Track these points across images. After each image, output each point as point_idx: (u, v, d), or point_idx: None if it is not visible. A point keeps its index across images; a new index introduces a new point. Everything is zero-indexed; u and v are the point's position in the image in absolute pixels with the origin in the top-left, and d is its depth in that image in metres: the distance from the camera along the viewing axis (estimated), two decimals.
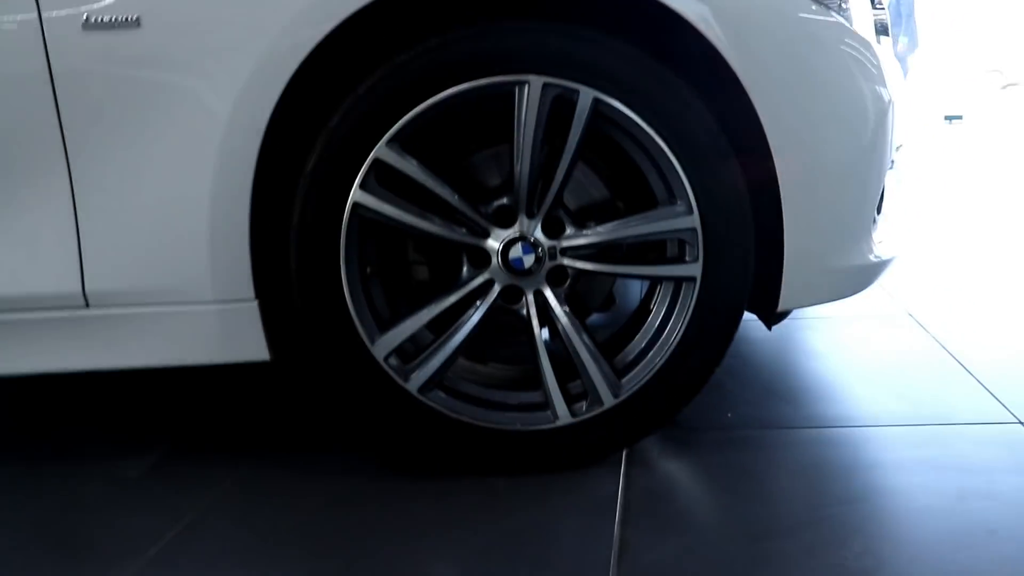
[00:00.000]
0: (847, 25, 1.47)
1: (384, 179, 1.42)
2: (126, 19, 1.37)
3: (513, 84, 1.39)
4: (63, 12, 1.38)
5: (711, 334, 1.50)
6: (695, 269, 1.47)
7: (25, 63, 1.39)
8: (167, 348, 1.52)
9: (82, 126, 1.42)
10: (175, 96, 1.39)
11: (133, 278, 1.48)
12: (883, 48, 1.63)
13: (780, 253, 1.48)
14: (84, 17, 1.37)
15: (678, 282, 1.50)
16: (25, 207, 1.46)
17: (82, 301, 1.50)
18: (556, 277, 1.51)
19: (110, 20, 1.37)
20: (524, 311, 1.50)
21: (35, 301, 1.51)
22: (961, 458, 1.56)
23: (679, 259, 1.50)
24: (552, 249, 1.48)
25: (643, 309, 1.61)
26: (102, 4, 1.37)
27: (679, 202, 1.45)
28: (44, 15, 1.38)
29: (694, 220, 1.44)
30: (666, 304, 1.54)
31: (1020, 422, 1.70)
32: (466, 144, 1.58)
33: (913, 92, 9.71)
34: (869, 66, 1.49)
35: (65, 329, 1.52)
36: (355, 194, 1.41)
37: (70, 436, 1.90)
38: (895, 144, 1.62)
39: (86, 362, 1.56)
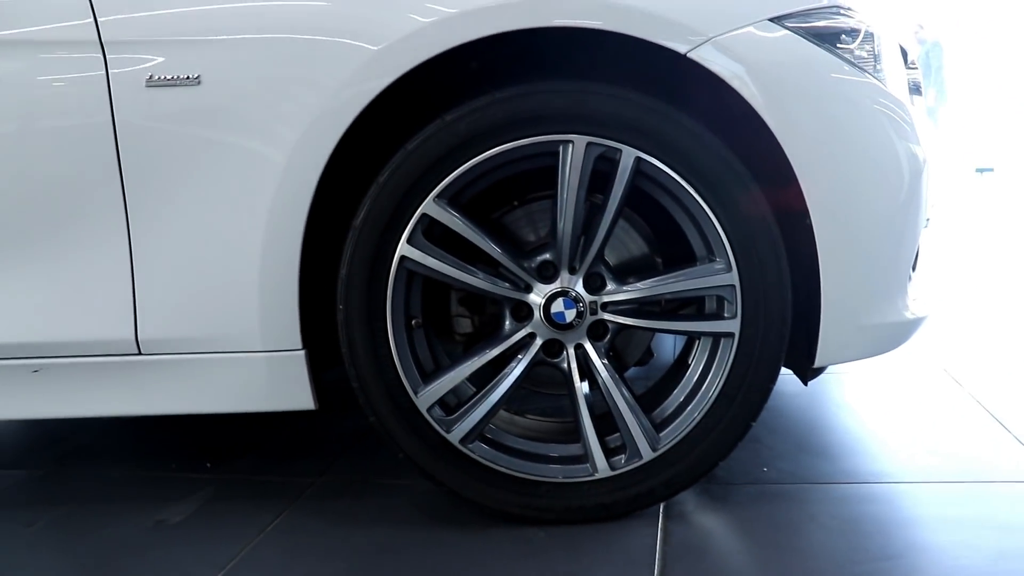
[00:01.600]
0: (881, 86, 1.50)
1: (431, 233, 1.47)
2: (187, 77, 1.44)
3: (557, 143, 1.44)
4: (128, 69, 1.45)
5: (749, 389, 1.52)
6: (733, 325, 1.49)
7: (91, 116, 1.47)
8: (216, 395, 1.56)
9: (142, 177, 1.48)
10: (231, 150, 1.45)
11: (185, 326, 1.53)
12: (917, 107, 1.66)
13: (817, 310, 1.50)
14: (148, 75, 1.44)
15: (716, 337, 1.53)
16: (83, 254, 1.52)
17: (135, 348, 1.55)
18: (597, 331, 1.54)
19: (172, 78, 1.44)
20: (565, 364, 1.53)
21: (90, 346, 1.56)
22: (999, 517, 1.56)
23: (718, 315, 1.52)
24: (593, 304, 1.51)
25: (681, 363, 1.63)
26: (165, 63, 1.44)
27: (718, 259, 1.48)
28: (111, 72, 1.45)
29: (733, 277, 1.47)
30: (704, 359, 1.56)
31: None
32: (510, 199, 1.62)
33: (944, 145, 9.71)
34: (904, 125, 1.52)
35: (118, 374, 1.57)
36: (402, 248, 1.45)
37: (115, 479, 1.93)
38: (930, 202, 1.64)
39: (137, 407, 1.61)
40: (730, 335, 1.50)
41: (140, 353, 1.55)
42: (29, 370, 1.59)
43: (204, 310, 1.51)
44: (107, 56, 1.45)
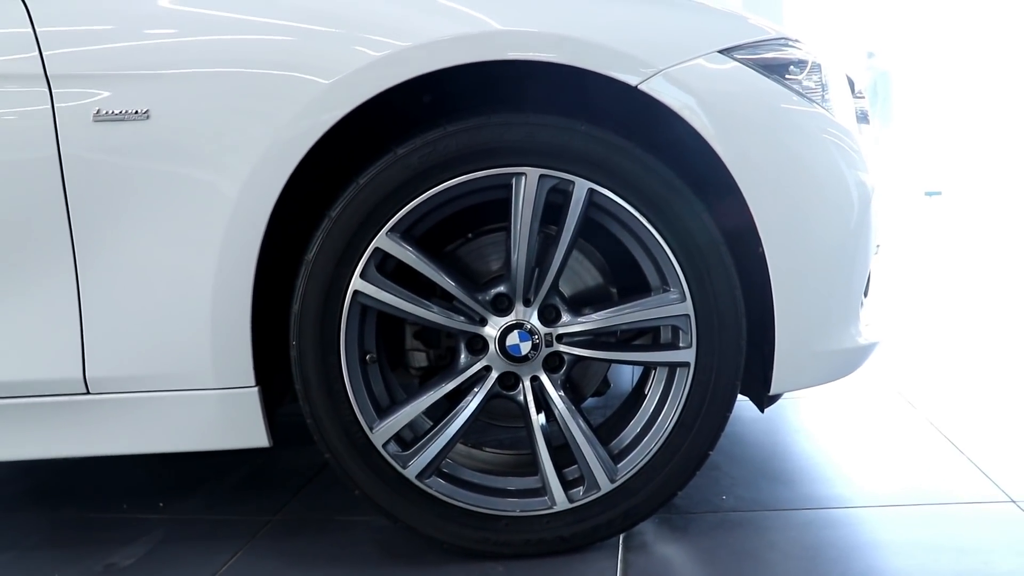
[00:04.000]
0: (829, 115, 1.52)
1: (384, 267, 1.46)
2: (136, 112, 1.42)
3: (510, 176, 1.44)
4: (75, 104, 1.42)
5: (706, 418, 1.52)
6: (689, 355, 1.49)
7: (37, 151, 1.44)
8: (168, 435, 1.53)
9: (89, 213, 1.45)
10: (181, 185, 1.43)
11: (135, 364, 1.50)
12: (864, 135, 1.69)
13: (771, 337, 1.51)
14: (96, 109, 1.42)
15: (672, 367, 1.53)
16: (29, 291, 1.49)
17: (83, 387, 1.51)
18: (552, 363, 1.53)
19: (121, 112, 1.42)
20: (521, 397, 1.52)
21: (37, 386, 1.52)
22: (957, 539, 1.57)
23: (673, 345, 1.53)
24: (548, 336, 1.51)
25: (638, 393, 1.63)
26: (113, 97, 1.42)
27: (672, 289, 1.49)
28: (57, 106, 1.43)
29: (687, 307, 1.48)
30: (661, 388, 1.56)
31: (1013, 501, 1.72)
32: (463, 231, 1.62)
33: (891, 169, 9.91)
34: (852, 153, 1.54)
35: (66, 414, 1.53)
36: (355, 282, 1.44)
37: (64, 521, 1.88)
38: (879, 228, 1.66)
39: (87, 448, 1.57)
40: (686, 365, 1.50)
41: (88, 392, 1.52)
42: None
43: (154, 347, 1.49)
44: (53, 90, 1.43)
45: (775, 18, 6.08)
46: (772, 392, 1.55)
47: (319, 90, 1.39)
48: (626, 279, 1.62)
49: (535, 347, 1.49)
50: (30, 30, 1.45)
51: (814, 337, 1.54)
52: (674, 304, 1.48)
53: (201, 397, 1.50)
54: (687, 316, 1.48)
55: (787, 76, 1.51)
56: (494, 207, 1.52)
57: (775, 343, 1.50)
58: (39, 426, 1.54)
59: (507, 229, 1.46)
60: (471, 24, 1.42)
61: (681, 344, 1.51)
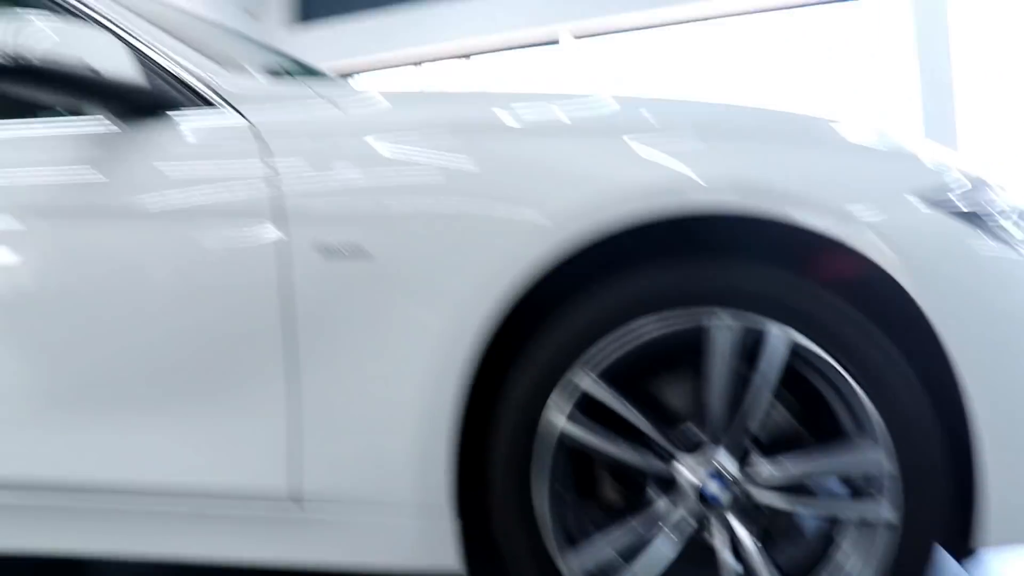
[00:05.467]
0: None
1: (579, 404, 1.51)
2: (360, 249, 1.53)
3: (705, 318, 1.47)
4: (305, 240, 1.55)
5: (904, 572, 1.47)
6: (886, 508, 1.46)
7: (269, 282, 1.58)
8: (365, 551, 1.61)
9: (310, 341, 1.57)
10: (396, 320, 1.53)
11: (341, 483, 1.59)
12: None
13: (975, 488, 1.46)
14: (322, 245, 1.55)
15: (871, 520, 1.50)
16: (251, 408, 1.61)
17: (295, 500, 1.61)
18: (744, 506, 1.53)
19: (345, 248, 1.54)
20: (712, 539, 1.52)
21: (251, 495, 1.63)
22: None
23: (869, 495, 1.50)
24: (741, 479, 1.51)
25: (829, 540, 1.60)
26: (338, 236, 1.54)
27: (869, 439, 1.47)
28: (289, 241, 1.57)
29: (886, 458, 1.45)
30: (854, 539, 1.52)
31: None
32: (655, 368, 1.65)
33: None
34: None
35: (275, 524, 1.63)
36: (552, 419, 1.49)
37: None
38: None
39: (291, 557, 1.66)
40: (886, 519, 1.47)
41: (300, 504, 1.61)
42: (195, 514, 1.67)
43: (360, 468, 1.58)
44: (287, 228, 1.56)
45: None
46: (975, 546, 1.50)
47: (533, 232, 1.47)
48: (819, 422, 1.60)
49: (727, 490, 1.50)
50: (271, 170, 1.60)
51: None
52: (872, 454, 1.46)
53: (401, 520, 1.57)
54: (885, 467, 1.46)
55: (986, 222, 1.49)
56: (687, 344, 1.55)
57: (980, 494, 1.45)
58: (251, 532, 1.65)
59: (701, 371, 1.49)
60: (672, 177, 1.48)
61: (878, 496, 1.48)
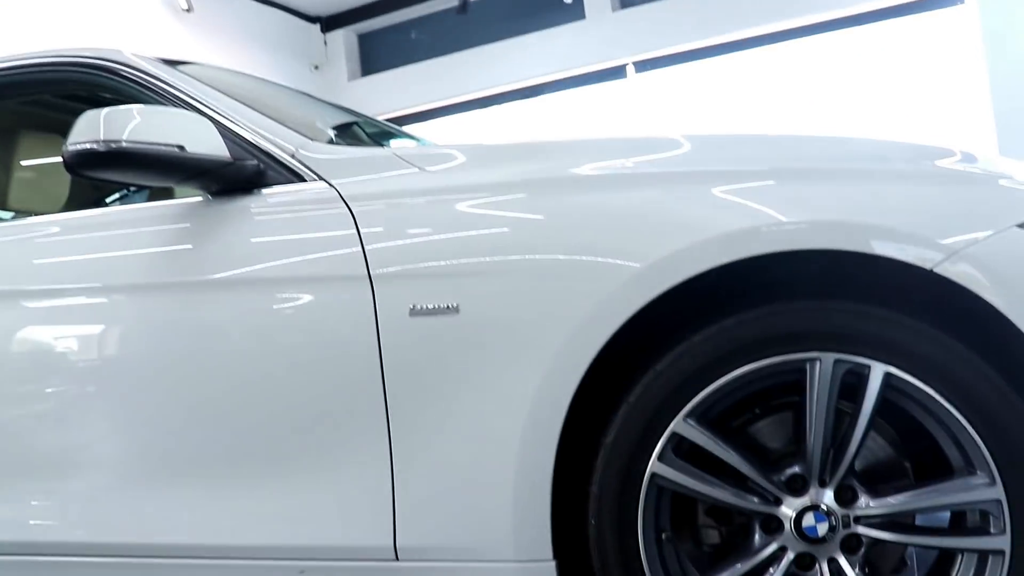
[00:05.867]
0: None
1: (679, 449, 1.50)
2: (447, 307, 1.56)
3: (804, 361, 1.46)
4: (394, 301, 1.59)
5: None
6: (1002, 542, 1.43)
7: (360, 340, 1.61)
8: None
9: (403, 397, 1.60)
10: (486, 372, 1.55)
11: (441, 535, 1.61)
12: None
13: None
14: (411, 305, 1.58)
15: (983, 554, 1.46)
16: (348, 466, 1.65)
17: (393, 554, 1.63)
18: (850, 544, 1.50)
19: (433, 307, 1.57)
20: None
21: (351, 552, 1.66)
22: None
23: (983, 530, 1.46)
24: (845, 517, 1.49)
25: (940, 572, 1.56)
26: (427, 294, 1.58)
27: (979, 473, 1.43)
28: (378, 303, 1.60)
29: (998, 491, 1.42)
30: (966, 571, 1.49)
31: None
32: (751, 406, 1.64)
33: None
34: None
35: None
36: (652, 465, 1.49)
37: None
38: None
39: None
40: (1000, 552, 1.43)
41: (397, 559, 1.64)
42: (296, 571, 1.70)
43: (458, 520, 1.59)
44: (375, 289, 1.60)
45: None
46: None
47: (628, 276, 1.48)
48: (923, 456, 1.57)
49: (832, 529, 1.48)
50: (355, 234, 1.65)
51: None
52: (981, 488, 1.43)
53: (500, 568, 1.58)
54: (998, 501, 1.42)
55: None
56: (783, 383, 1.54)
57: None
58: None
59: (801, 411, 1.48)
60: (763, 218, 1.48)
61: (992, 530, 1.44)
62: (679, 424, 1.48)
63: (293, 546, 1.70)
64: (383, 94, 7.92)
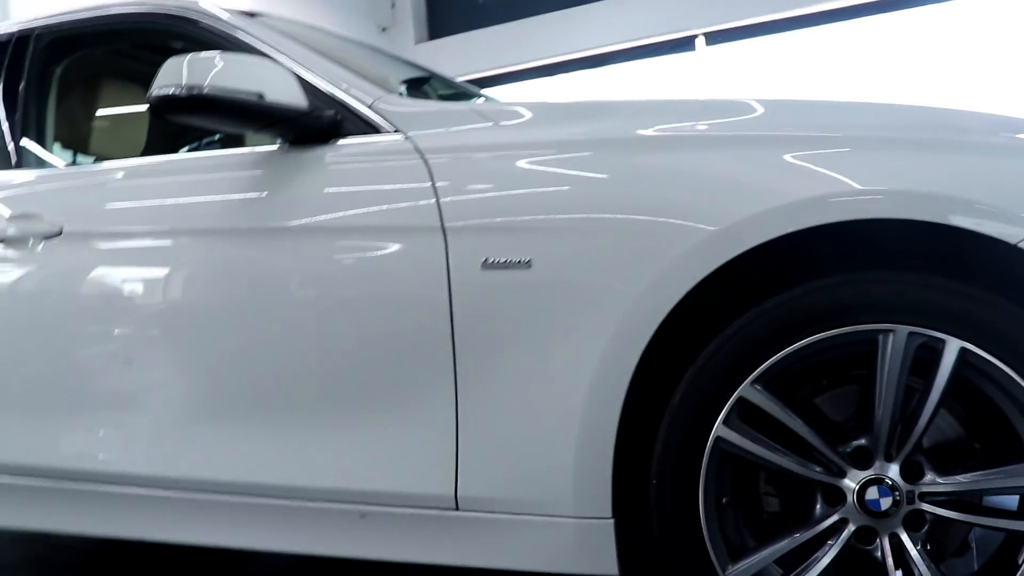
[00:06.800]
0: None
1: (744, 415, 1.50)
2: (520, 261, 1.57)
3: (877, 332, 1.44)
4: (467, 253, 1.61)
5: None
6: None
7: (431, 291, 1.63)
8: (523, 554, 1.64)
9: (471, 349, 1.62)
10: (556, 328, 1.56)
11: (502, 488, 1.63)
12: None
13: None
14: (484, 258, 1.59)
15: None
16: (413, 414, 1.67)
17: (453, 504, 1.66)
18: (913, 521, 1.49)
19: (506, 261, 1.58)
20: (878, 553, 1.49)
21: (412, 499, 1.69)
22: None
23: None
24: (911, 493, 1.47)
25: (1004, 559, 1.54)
26: (500, 247, 1.59)
27: None
28: (451, 255, 1.62)
29: None
30: None
31: None
32: (818, 377, 1.63)
33: None
34: None
35: (435, 526, 1.69)
36: (718, 429, 1.49)
37: None
38: None
39: (451, 558, 1.71)
40: None
41: (457, 509, 1.66)
42: (357, 515, 1.74)
43: (520, 473, 1.61)
44: (448, 240, 1.62)
45: None
46: None
47: (700, 239, 1.47)
48: (992, 433, 1.55)
49: (896, 504, 1.46)
50: (430, 186, 1.66)
51: None
52: None
53: (559, 524, 1.60)
54: None
55: None
56: (852, 354, 1.52)
57: None
58: (412, 534, 1.71)
59: (871, 383, 1.46)
60: (841, 185, 1.45)
61: None
62: (746, 389, 1.47)
63: (354, 490, 1.74)
64: (449, 58, 7.88)
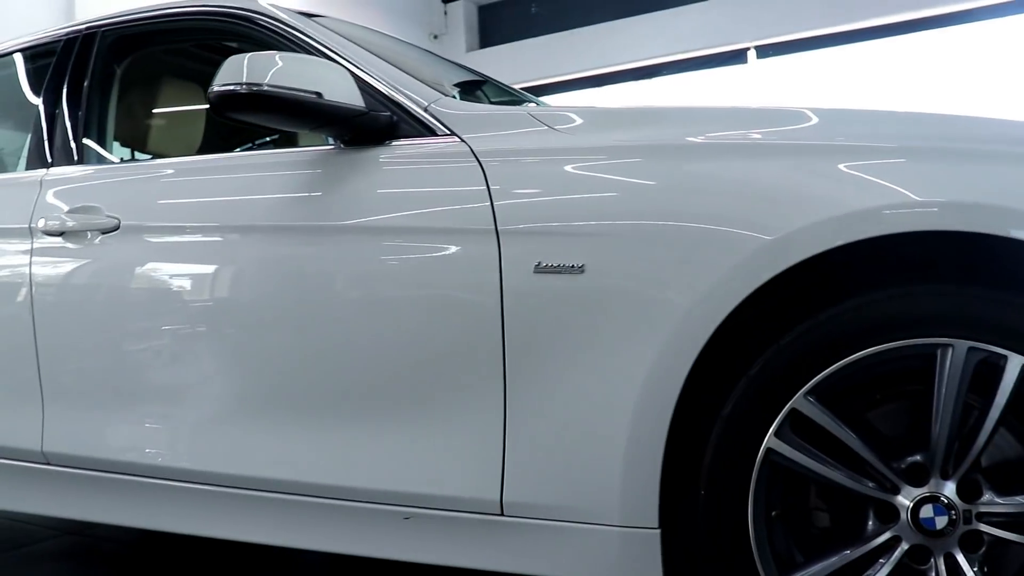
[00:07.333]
0: None
1: (796, 427, 1.48)
2: (573, 266, 1.57)
3: (935, 347, 1.41)
4: (520, 257, 1.60)
5: None
6: None
7: (483, 294, 1.63)
8: (567, 562, 1.63)
9: (522, 354, 1.61)
10: (607, 334, 1.55)
11: (548, 494, 1.62)
12: None
13: None
14: (537, 262, 1.59)
15: None
16: (461, 418, 1.67)
17: (499, 509, 1.65)
18: (969, 542, 1.45)
19: (559, 266, 1.57)
20: (932, 574, 1.46)
21: (457, 503, 1.69)
22: None
23: None
24: (967, 512, 1.44)
25: None
26: (553, 252, 1.58)
27: None
28: (504, 258, 1.62)
29: None
30: None
31: None
32: (872, 390, 1.60)
33: None
34: None
35: (480, 531, 1.68)
36: (769, 440, 1.47)
37: None
38: None
39: (494, 563, 1.70)
40: None
41: (502, 514, 1.66)
42: (402, 517, 1.74)
43: (566, 481, 1.60)
44: (501, 244, 1.62)
45: None
46: None
47: (755, 247, 1.46)
48: None
49: (952, 523, 1.43)
50: (484, 189, 1.66)
51: None
52: None
53: (604, 532, 1.58)
54: None
55: None
56: (908, 368, 1.49)
57: None
58: (456, 538, 1.71)
59: (927, 398, 1.43)
60: (897, 196, 1.43)
61: None
62: (799, 401, 1.45)
63: (400, 492, 1.74)
64: (499, 66, 7.90)
